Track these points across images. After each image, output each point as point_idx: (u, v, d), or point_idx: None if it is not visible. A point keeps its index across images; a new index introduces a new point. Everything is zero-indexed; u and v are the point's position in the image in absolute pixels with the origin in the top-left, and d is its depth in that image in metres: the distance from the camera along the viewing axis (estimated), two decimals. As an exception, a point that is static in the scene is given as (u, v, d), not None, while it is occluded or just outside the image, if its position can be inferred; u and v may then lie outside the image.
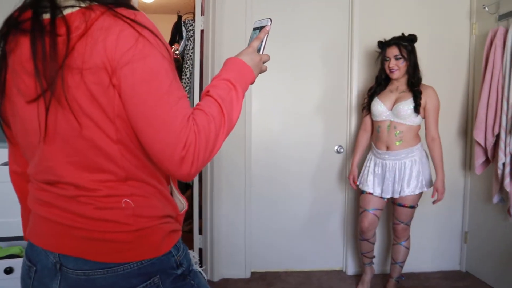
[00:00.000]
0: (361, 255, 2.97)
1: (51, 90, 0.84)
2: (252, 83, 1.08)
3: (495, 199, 2.84)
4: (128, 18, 0.85)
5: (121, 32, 0.83)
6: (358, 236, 2.99)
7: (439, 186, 2.68)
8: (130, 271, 0.91)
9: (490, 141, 2.81)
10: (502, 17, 2.85)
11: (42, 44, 0.84)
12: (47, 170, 0.93)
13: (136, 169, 0.93)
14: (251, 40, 1.14)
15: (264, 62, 1.13)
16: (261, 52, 1.12)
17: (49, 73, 0.84)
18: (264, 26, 1.13)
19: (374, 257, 2.97)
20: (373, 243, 2.89)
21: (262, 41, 1.12)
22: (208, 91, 0.97)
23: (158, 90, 0.84)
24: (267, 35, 1.13)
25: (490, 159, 2.90)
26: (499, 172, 2.72)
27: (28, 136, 0.94)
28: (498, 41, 2.74)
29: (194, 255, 1.12)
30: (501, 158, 2.68)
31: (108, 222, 0.91)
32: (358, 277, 3.22)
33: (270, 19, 1.14)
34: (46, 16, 0.87)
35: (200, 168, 0.89)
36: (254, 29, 1.16)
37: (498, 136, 2.75)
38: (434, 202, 2.71)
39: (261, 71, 1.12)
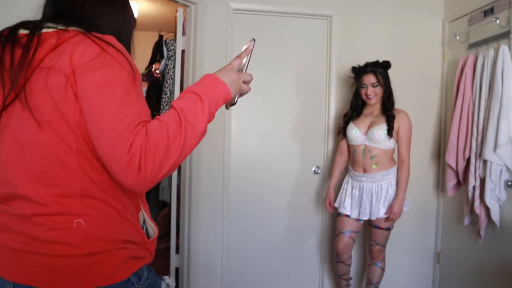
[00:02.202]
0: (338, 277, 2.98)
1: (15, 95, 0.89)
2: (231, 103, 1.06)
3: (466, 221, 2.92)
4: (96, 37, 0.91)
5: (87, 46, 0.89)
6: (334, 258, 3.01)
7: (394, 206, 2.66)
8: None
9: (461, 164, 2.91)
10: (471, 46, 2.98)
11: (11, 53, 0.90)
12: (4, 181, 0.93)
13: (95, 185, 0.92)
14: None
15: (246, 82, 1.09)
16: (244, 72, 1.09)
17: (13, 78, 0.89)
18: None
19: (351, 278, 2.99)
20: (349, 265, 2.91)
21: (243, 60, 1.10)
22: (172, 102, 0.97)
23: (110, 96, 0.87)
24: (250, 55, 1.11)
25: (461, 182, 2.99)
26: (470, 195, 2.80)
27: None
28: (468, 69, 2.85)
29: (169, 282, 1.07)
30: (471, 181, 2.77)
31: (59, 244, 0.89)
32: (333, 297, 3.25)
33: (254, 39, 1.13)
34: (23, 31, 0.94)
35: (150, 176, 0.85)
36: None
37: (468, 160, 2.85)
38: (385, 220, 2.72)
39: (242, 90, 1.09)
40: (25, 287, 0.90)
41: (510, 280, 2.63)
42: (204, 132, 0.95)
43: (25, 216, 0.91)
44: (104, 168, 0.92)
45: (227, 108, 1.09)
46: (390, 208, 2.69)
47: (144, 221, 1.06)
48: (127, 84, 0.90)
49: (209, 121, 0.96)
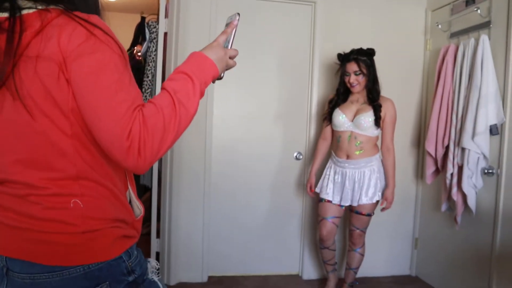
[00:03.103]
0: (323, 264, 3.01)
1: (3, 83, 0.87)
2: (218, 78, 1.07)
3: (443, 207, 2.98)
4: (81, 18, 0.89)
5: (74, 29, 0.87)
6: (318, 245, 3.04)
7: (388, 195, 2.76)
8: (76, 275, 0.91)
9: (440, 152, 2.96)
10: (453, 35, 3.02)
11: None
12: None
13: (90, 167, 0.94)
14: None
15: (232, 58, 1.11)
16: (229, 47, 1.11)
17: (1, 69, 0.86)
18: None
19: (336, 263, 3.02)
20: (334, 250, 2.93)
21: (229, 36, 1.11)
22: (163, 84, 0.98)
23: (104, 82, 0.87)
24: (235, 30, 1.12)
25: (440, 169, 3.04)
26: (447, 182, 2.86)
27: None
28: (449, 58, 2.89)
29: (153, 264, 1.10)
30: (450, 168, 2.82)
31: (55, 222, 0.91)
32: (314, 281, 3.31)
33: (238, 13, 1.13)
34: (2, 14, 0.90)
35: (149, 159, 0.88)
36: (226, 25, 1.15)
37: (447, 148, 2.90)
38: (382, 210, 2.80)
39: (228, 66, 1.11)
40: (19, 262, 0.91)
41: (485, 265, 2.71)
42: (196, 112, 0.97)
43: (20, 195, 0.91)
44: (98, 150, 0.93)
45: (213, 82, 1.10)
46: (384, 199, 2.76)
47: (130, 201, 1.07)
48: (119, 68, 0.89)
49: (200, 99, 0.99)
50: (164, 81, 1.00)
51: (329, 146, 2.99)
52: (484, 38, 2.62)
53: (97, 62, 0.87)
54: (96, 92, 0.86)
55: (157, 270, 1.12)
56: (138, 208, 1.08)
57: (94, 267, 0.92)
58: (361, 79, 2.72)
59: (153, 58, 3.59)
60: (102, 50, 0.88)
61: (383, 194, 2.79)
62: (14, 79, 0.86)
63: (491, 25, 2.66)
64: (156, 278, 1.09)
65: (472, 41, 2.72)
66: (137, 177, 3.88)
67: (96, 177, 0.95)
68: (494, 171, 2.64)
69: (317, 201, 2.99)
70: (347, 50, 2.81)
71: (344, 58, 2.78)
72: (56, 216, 0.91)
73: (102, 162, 0.95)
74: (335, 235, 2.87)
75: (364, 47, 2.78)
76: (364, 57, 2.72)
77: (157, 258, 3.24)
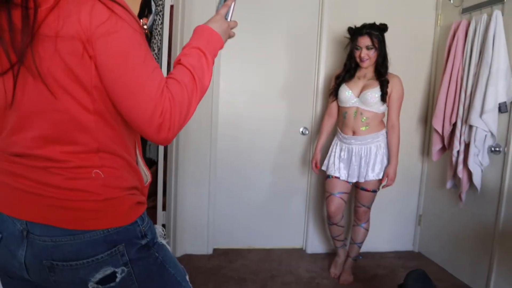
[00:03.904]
0: (332, 239, 3.04)
1: (21, 62, 0.86)
2: (221, 49, 1.15)
3: (449, 184, 2.98)
4: None
5: (93, 6, 0.86)
6: (326, 221, 3.06)
7: (390, 172, 2.72)
8: (96, 239, 0.95)
9: (447, 129, 2.94)
10: (465, 11, 2.95)
11: (8, 16, 0.85)
12: (17, 143, 0.94)
13: (110, 140, 0.97)
14: (219, 6, 1.20)
15: (232, 28, 1.19)
16: (229, 19, 1.18)
17: (18, 45, 0.85)
18: None
19: (345, 239, 3.04)
20: (343, 226, 2.93)
21: (229, 8, 1.18)
22: (179, 60, 1.03)
23: (133, 61, 0.89)
24: (234, 2, 1.19)
25: (446, 147, 3.03)
26: (454, 159, 2.85)
27: None
28: (461, 34, 2.83)
29: (160, 230, 1.15)
30: (456, 146, 2.81)
31: (77, 191, 0.94)
32: (318, 255, 3.35)
33: None
34: None
35: (176, 132, 0.97)
36: None
37: (454, 125, 2.88)
38: (383, 187, 2.79)
39: (230, 37, 1.19)
40: (39, 226, 0.93)
41: (488, 243, 2.73)
42: (209, 84, 1.07)
43: (41, 167, 0.94)
44: (119, 124, 0.97)
45: None
46: (385, 176, 2.73)
47: (137, 164, 1.10)
48: (142, 47, 0.91)
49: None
50: (178, 56, 1.05)
51: (334, 122, 2.97)
52: (497, 13, 2.57)
53: (122, 43, 0.87)
54: (126, 73, 0.88)
55: (164, 235, 1.16)
56: (145, 174, 1.12)
57: (112, 231, 0.96)
58: (372, 54, 2.68)
59: (159, 31, 3.55)
60: (125, 29, 0.88)
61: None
62: (33, 57, 0.85)
63: (505, 1, 2.60)
64: (164, 242, 1.13)
65: (484, 17, 2.66)
66: (143, 150, 3.89)
67: (115, 149, 0.99)
68: (501, 149, 2.63)
69: (324, 178, 3.00)
70: (356, 25, 2.75)
71: (355, 32, 2.72)
72: (79, 186, 0.94)
73: (121, 135, 0.99)
74: (342, 210, 2.86)
75: (374, 22, 2.72)
76: (376, 32, 2.67)
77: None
